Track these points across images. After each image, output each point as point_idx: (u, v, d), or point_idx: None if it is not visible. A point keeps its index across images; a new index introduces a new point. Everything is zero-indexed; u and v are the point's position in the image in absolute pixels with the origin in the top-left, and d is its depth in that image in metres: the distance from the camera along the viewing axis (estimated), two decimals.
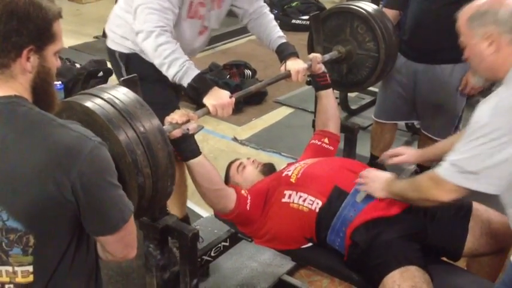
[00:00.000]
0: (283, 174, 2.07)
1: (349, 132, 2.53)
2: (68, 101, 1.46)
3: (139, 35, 1.99)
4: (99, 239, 1.28)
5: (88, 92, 1.53)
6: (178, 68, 1.95)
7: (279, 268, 2.53)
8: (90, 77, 4.17)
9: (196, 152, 1.83)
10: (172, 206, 2.39)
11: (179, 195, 2.37)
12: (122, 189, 1.26)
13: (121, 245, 1.29)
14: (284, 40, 2.36)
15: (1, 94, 1.18)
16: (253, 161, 2.22)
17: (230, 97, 1.99)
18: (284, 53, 2.33)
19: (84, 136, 1.19)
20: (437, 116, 2.83)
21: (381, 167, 3.00)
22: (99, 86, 1.60)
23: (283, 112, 4.25)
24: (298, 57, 2.34)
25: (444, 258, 1.96)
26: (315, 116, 2.56)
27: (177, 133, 1.77)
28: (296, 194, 1.95)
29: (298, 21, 6.22)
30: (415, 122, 3.86)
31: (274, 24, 2.39)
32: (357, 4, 2.60)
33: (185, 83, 1.97)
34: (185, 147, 1.81)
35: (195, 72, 1.97)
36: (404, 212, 1.88)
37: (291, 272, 2.52)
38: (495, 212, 1.92)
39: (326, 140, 2.30)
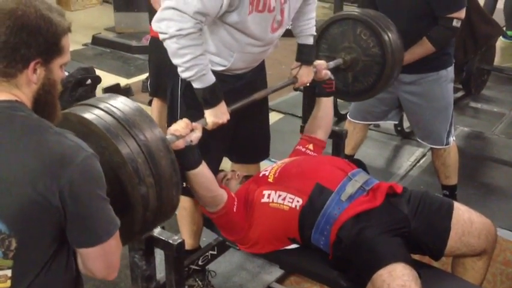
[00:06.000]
0: (261, 175, 2.05)
1: (337, 137, 2.50)
2: (64, 113, 1.42)
3: (162, 23, 1.79)
4: (81, 251, 1.26)
5: (84, 103, 1.50)
6: (195, 73, 1.86)
7: (268, 276, 2.51)
8: (78, 84, 4.17)
9: (198, 162, 1.80)
10: (184, 234, 2.30)
11: (191, 222, 2.30)
12: (109, 203, 1.26)
13: (102, 263, 1.27)
14: (311, 42, 2.29)
15: (2, 98, 1.20)
16: (237, 175, 2.18)
17: (229, 112, 1.95)
18: (303, 57, 2.28)
19: (78, 146, 1.20)
20: (431, 126, 2.82)
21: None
22: (96, 97, 1.57)
23: (272, 117, 4.20)
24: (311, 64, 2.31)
25: (430, 262, 1.95)
26: (302, 122, 2.55)
27: (180, 144, 1.73)
28: (275, 193, 1.92)
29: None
30: (405, 126, 3.88)
31: (312, 17, 2.29)
32: (358, 10, 2.56)
33: (197, 85, 1.89)
34: (188, 158, 1.78)
35: (209, 80, 1.89)
36: (388, 201, 1.87)
37: (280, 280, 2.50)
38: (477, 212, 1.92)
39: (311, 147, 2.28)
